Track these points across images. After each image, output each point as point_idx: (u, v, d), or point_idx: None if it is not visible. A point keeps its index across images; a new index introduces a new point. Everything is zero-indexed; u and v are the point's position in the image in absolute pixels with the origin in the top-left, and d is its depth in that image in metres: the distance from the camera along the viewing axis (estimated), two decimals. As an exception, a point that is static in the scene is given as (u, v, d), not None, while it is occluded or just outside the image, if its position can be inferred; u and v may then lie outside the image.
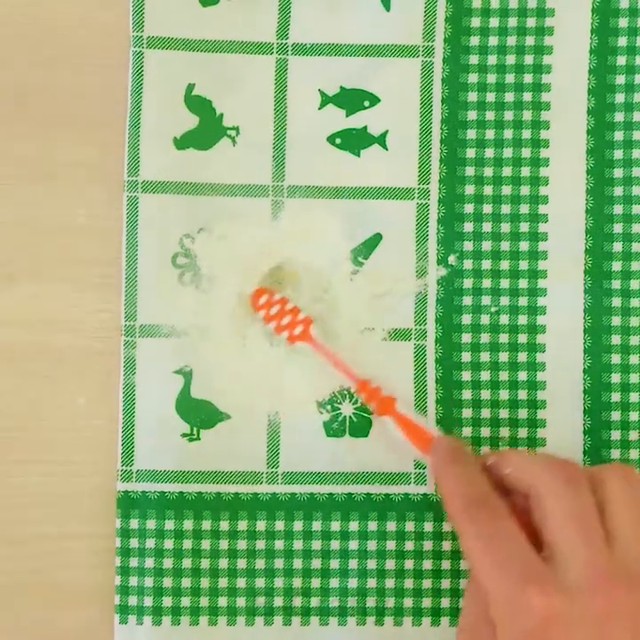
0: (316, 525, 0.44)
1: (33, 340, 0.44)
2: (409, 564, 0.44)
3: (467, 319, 0.44)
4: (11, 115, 0.44)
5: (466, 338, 0.44)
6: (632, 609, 0.35)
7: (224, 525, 0.44)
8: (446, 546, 0.44)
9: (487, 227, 0.44)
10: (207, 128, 0.44)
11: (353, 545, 0.44)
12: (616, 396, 0.44)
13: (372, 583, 0.44)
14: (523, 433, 0.44)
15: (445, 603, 0.44)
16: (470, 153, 0.44)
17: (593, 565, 0.35)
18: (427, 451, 0.41)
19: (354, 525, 0.44)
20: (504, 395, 0.44)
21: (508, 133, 0.44)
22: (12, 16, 0.44)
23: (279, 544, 0.44)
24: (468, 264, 0.44)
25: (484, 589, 0.36)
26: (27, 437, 0.44)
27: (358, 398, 0.44)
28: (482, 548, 0.37)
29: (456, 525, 0.38)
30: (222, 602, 0.43)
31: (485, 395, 0.44)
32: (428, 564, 0.44)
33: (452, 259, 0.44)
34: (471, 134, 0.44)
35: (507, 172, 0.44)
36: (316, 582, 0.44)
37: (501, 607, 0.36)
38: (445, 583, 0.44)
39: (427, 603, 0.44)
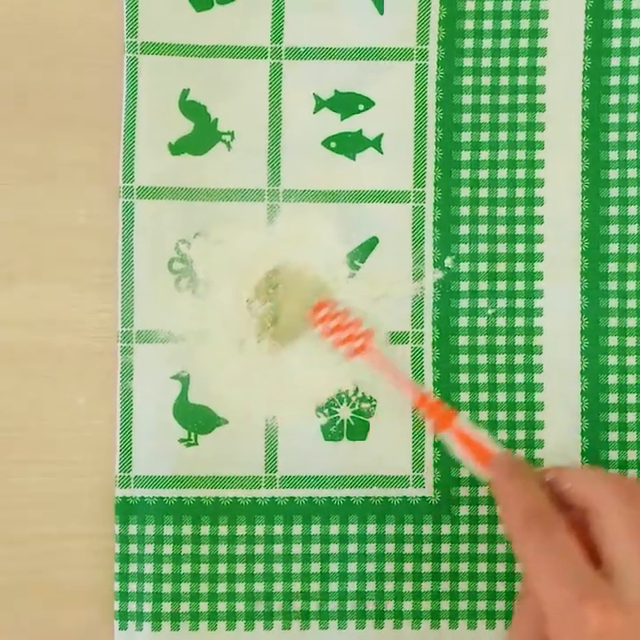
0: (315, 529, 0.44)
1: (33, 339, 0.44)
2: (408, 567, 0.44)
3: (463, 322, 0.44)
4: (11, 115, 0.44)
5: (463, 340, 0.44)
6: None
7: (223, 530, 0.44)
8: (445, 549, 0.44)
9: (483, 229, 0.44)
10: (202, 133, 0.44)
11: (352, 548, 0.44)
12: (613, 398, 0.44)
13: (371, 586, 0.44)
14: (520, 435, 0.44)
15: (445, 605, 0.44)
16: (465, 155, 0.44)
17: None
18: (486, 466, 0.41)
19: (352, 529, 0.44)
20: (502, 397, 0.44)
21: (503, 136, 0.44)
22: (12, 16, 0.44)
23: (278, 548, 0.44)
24: (464, 267, 0.44)
25: (540, 604, 0.36)
26: (27, 437, 0.44)
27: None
28: (540, 562, 0.36)
29: (514, 539, 0.38)
30: (222, 606, 0.43)
31: (483, 397, 0.44)
32: (426, 567, 0.44)
33: (448, 261, 0.44)
34: (466, 137, 0.44)
35: (502, 174, 0.44)
36: (315, 586, 0.44)
37: (558, 622, 0.35)
38: (444, 586, 0.44)
39: (426, 606, 0.44)
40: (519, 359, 0.44)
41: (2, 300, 0.44)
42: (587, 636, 0.34)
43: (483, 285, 0.44)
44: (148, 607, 0.43)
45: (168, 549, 0.43)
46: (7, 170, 0.44)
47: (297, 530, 0.44)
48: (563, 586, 0.35)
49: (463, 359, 0.44)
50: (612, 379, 0.44)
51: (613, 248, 0.44)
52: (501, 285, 0.44)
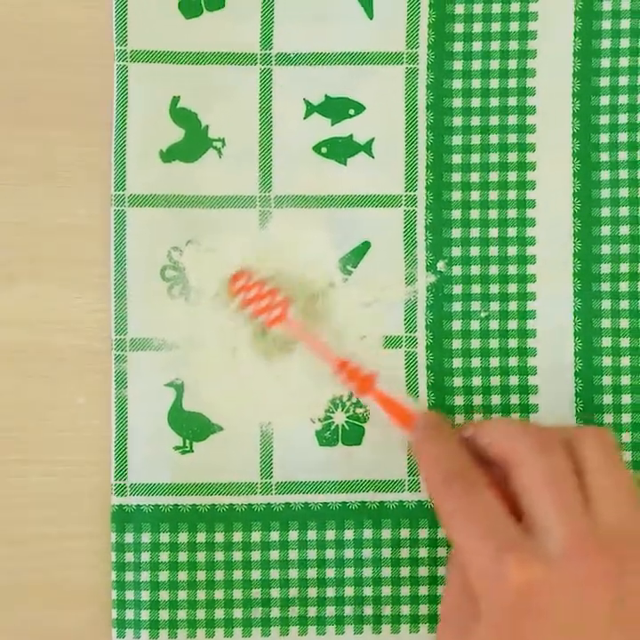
0: (311, 535, 0.44)
1: (33, 339, 0.44)
2: (405, 572, 0.44)
3: (457, 325, 0.44)
4: (11, 115, 0.44)
5: (456, 344, 0.44)
6: (613, 573, 0.35)
7: (219, 537, 0.44)
8: (442, 552, 0.44)
9: (475, 232, 0.44)
10: (193, 140, 0.44)
11: (348, 553, 0.44)
12: (608, 399, 0.44)
13: (368, 591, 0.43)
14: (516, 437, 0.44)
15: (442, 609, 0.44)
16: (456, 159, 0.44)
17: (572, 531, 0.35)
18: (410, 427, 0.41)
19: (349, 534, 0.44)
20: (496, 400, 0.44)
21: (494, 138, 0.44)
22: (12, 16, 0.44)
23: (274, 554, 0.44)
24: (456, 270, 0.44)
25: (462, 562, 0.36)
26: (27, 437, 0.44)
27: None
28: (459, 521, 0.37)
29: (434, 500, 0.38)
30: (219, 614, 0.43)
31: (477, 400, 0.44)
32: (423, 571, 0.44)
33: (440, 265, 0.44)
34: (457, 140, 0.44)
35: (493, 176, 0.44)
36: (312, 592, 0.44)
37: (481, 579, 0.36)
38: (441, 590, 0.43)
39: (424, 610, 0.43)
40: (513, 362, 0.44)
41: (2, 299, 0.44)
42: (510, 590, 0.35)
43: (475, 288, 0.44)
44: (145, 615, 0.43)
45: (165, 557, 0.43)
46: (7, 170, 0.44)
47: (293, 535, 0.44)
48: (483, 543, 0.36)
49: (457, 362, 0.44)
50: (607, 380, 0.44)
51: (605, 249, 0.44)
52: (494, 288, 0.44)
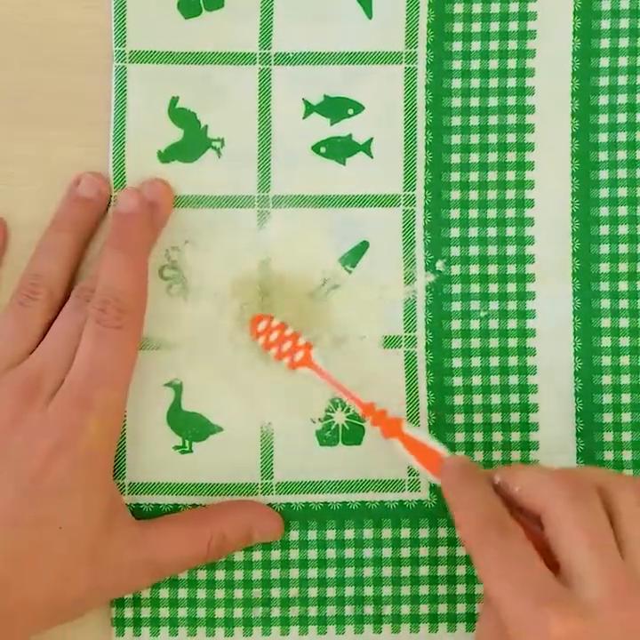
0: (312, 534, 0.44)
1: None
2: (405, 571, 0.44)
3: (456, 325, 0.44)
4: (11, 115, 0.44)
5: (456, 343, 0.44)
6: None
7: (219, 537, 0.44)
8: (442, 552, 0.44)
9: (474, 232, 0.44)
10: (192, 140, 0.44)
11: (349, 553, 0.44)
12: (608, 398, 0.44)
13: (368, 591, 0.43)
14: (515, 437, 0.44)
15: (443, 609, 0.43)
16: (455, 158, 0.44)
17: (610, 581, 0.35)
18: (436, 471, 0.40)
19: (349, 534, 0.44)
20: (496, 399, 0.44)
21: (493, 138, 0.44)
22: (12, 16, 0.44)
23: (275, 554, 0.44)
24: (455, 269, 0.44)
25: (500, 614, 0.36)
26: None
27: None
28: (496, 571, 0.36)
29: (469, 549, 0.37)
30: (219, 613, 0.43)
31: (477, 400, 0.44)
32: (424, 571, 0.44)
33: (439, 264, 0.44)
34: (456, 140, 0.44)
35: (492, 176, 0.44)
36: (312, 591, 0.44)
37: (520, 632, 0.35)
38: (442, 589, 0.44)
39: (424, 609, 0.43)
40: (512, 361, 0.44)
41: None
42: None
43: (475, 288, 0.44)
44: (145, 613, 0.43)
45: (165, 556, 0.43)
46: (7, 170, 0.44)
47: (294, 535, 0.44)
48: (521, 594, 0.35)
49: (457, 362, 0.44)
50: (606, 379, 0.44)
51: (604, 248, 0.44)
52: (493, 288, 0.44)
